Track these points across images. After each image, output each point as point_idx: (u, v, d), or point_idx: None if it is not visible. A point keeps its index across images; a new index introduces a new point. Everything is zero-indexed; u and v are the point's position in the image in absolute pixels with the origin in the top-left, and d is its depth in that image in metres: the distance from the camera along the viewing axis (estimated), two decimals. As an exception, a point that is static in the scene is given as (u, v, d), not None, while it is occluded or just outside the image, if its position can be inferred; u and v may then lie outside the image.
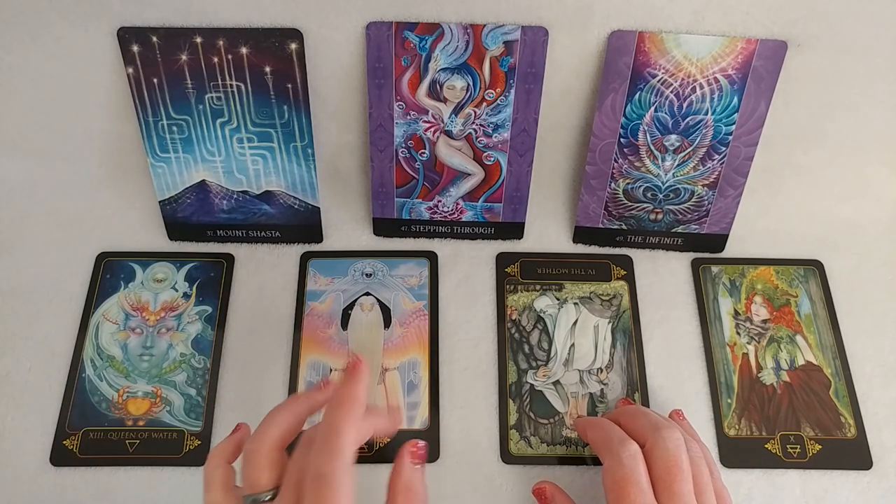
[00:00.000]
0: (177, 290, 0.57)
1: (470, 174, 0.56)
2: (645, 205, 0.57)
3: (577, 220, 0.59)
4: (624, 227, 0.58)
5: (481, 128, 0.54)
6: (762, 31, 0.50)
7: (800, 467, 0.50)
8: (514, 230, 0.59)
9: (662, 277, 0.58)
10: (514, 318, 0.56)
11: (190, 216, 0.58)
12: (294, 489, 0.36)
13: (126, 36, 0.51)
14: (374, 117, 0.54)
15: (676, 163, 0.55)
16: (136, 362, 0.54)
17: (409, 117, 0.54)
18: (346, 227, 0.60)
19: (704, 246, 0.59)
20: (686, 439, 0.42)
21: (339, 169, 0.60)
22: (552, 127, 0.56)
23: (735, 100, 0.51)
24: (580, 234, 0.59)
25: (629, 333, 0.55)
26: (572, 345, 0.54)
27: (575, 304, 0.56)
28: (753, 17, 0.49)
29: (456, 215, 0.58)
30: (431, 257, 0.58)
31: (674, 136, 0.53)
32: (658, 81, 0.51)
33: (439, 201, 0.58)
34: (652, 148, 0.54)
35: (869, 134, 0.58)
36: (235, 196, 0.57)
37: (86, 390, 0.52)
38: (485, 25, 0.50)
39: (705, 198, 0.56)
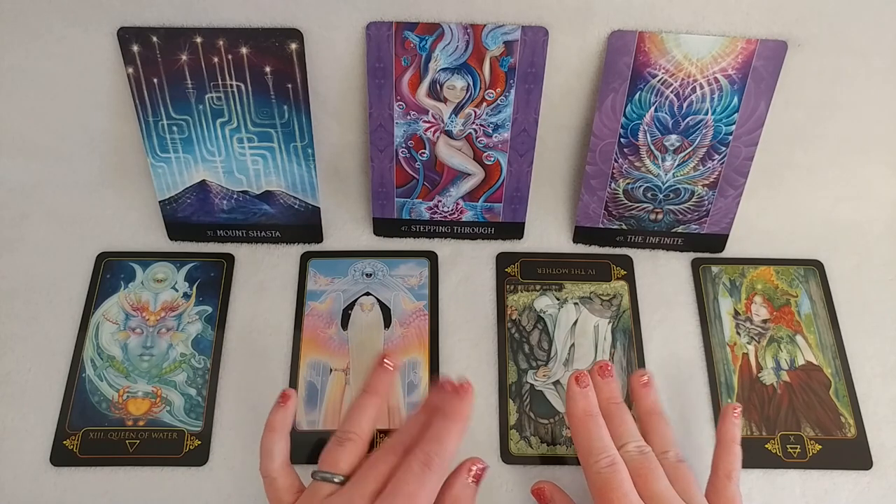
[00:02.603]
0: (177, 290, 0.57)
1: (470, 174, 0.56)
2: (645, 205, 0.57)
3: (577, 220, 0.59)
4: (624, 227, 0.58)
5: (481, 128, 0.54)
6: (762, 31, 0.50)
7: (800, 467, 0.50)
8: (514, 230, 0.59)
9: (662, 277, 0.58)
10: (514, 318, 0.56)
11: (190, 216, 0.58)
12: (369, 486, 0.38)
13: (126, 36, 0.51)
14: (374, 117, 0.54)
15: (676, 163, 0.55)
16: (136, 362, 0.54)
17: (409, 117, 0.54)
18: (346, 227, 0.60)
19: (704, 246, 0.59)
20: (667, 448, 0.43)
21: (339, 169, 0.60)
22: (552, 127, 0.56)
23: (735, 100, 0.51)
24: (580, 234, 0.59)
25: (629, 333, 0.55)
26: (572, 345, 0.54)
27: (575, 304, 0.56)
28: (753, 17, 0.49)
29: (456, 215, 0.58)
30: (431, 257, 0.58)
31: (674, 136, 0.53)
32: (658, 81, 0.51)
33: (439, 201, 0.58)
34: (652, 148, 0.54)
35: (869, 134, 0.58)
36: (235, 196, 0.57)
37: (86, 390, 0.52)
38: (485, 25, 0.50)
39: (705, 198, 0.56)
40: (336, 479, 0.39)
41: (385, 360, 0.44)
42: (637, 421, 0.45)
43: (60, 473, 0.50)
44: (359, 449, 0.41)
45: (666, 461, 0.42)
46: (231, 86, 0.52)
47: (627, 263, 0.58)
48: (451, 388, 0.41)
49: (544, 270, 0.58)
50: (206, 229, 0.59)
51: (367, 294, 0.56)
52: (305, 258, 0.58)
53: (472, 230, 0.59)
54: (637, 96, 0.52)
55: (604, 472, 0.41)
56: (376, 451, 0.40)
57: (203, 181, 0.57)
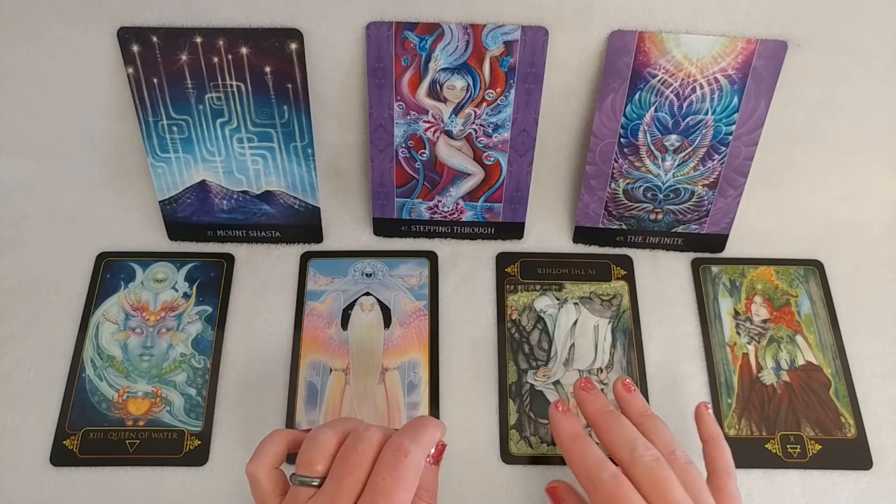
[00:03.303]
0: (177, 290, 0.57)
1: (470, 174, 0.56)
2: (645, 205, 0.57)
3: (577, 220, 0.59)
4: (624, 227, 0.58)
5: (481, 128, 0.54)
6: (762, 31, 0.50)
7: (800, 467, 0.50)
8: (514, 230, 0.59)
9: (662, 277, 0.58)
10: (514, 318, 0.56)
11: (190, 216, 0.58)
12: (346, 483, 0.37)
13: (126, 36, 0.51)
14: (374, 117, 0.54)
15: (676, 163, 0.55)
16: (136, 362, 0.54)
17: (409, 117, 0.54)
18: (346, 227, 0.60)
19: (704, 246, 0.59)
20: (672, 448, 0.42)
21: (339, 169, 0.60)
22: (552, 127, 0.56)
23: (735, 100, 0.51)
24: (580, 234, 0.59)
25: (629, 333, 0.55)
26: (572, 345, 0.54)
27: (575, 304, 0.56)
28: (753, 17, 0.49)
29: (456, 215, 0.58)
30: (431, 257, 0.58)
31: (674, 136, 0.53)
32: (658, 81, 0.51)
33: (439, 201, 0.58)
34: (652, 148, 0.54)
35: (869, 134, 0.58)
36: (235, 196, 0.57)
37: (86, 390, 0.52)
38: (485, 25, 0.50)
39: (705, 198, 0.56)
40: (313, 483, 0.38)
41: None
42: None
43: (60, 473, 0.50)
44: (333, 450, 0.39)
45: (676, 463, 0.41)
46: (231, 86, 0.52)
47: (627, 263, 0.58)
48: None
49: (544, 270, 0.58)
50: (206, 229, 0.59)
51: (367, 294, 0.56)
52: (305, 258, 0.58)
53: (472, 230, 0.59)
54: (637, 96, 0.52)
55: (608, 484, 0.39)
56: (346, 441, 0.39)
57: (203, 181, 0.57)
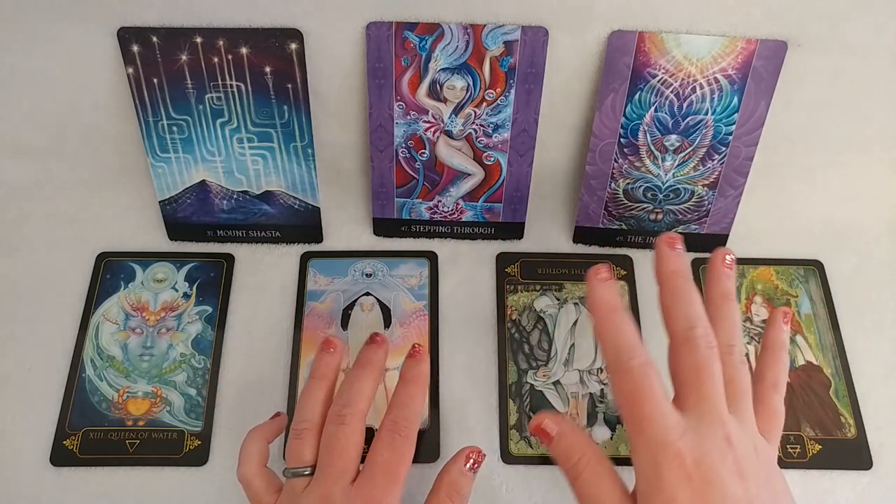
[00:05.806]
0: (177, 290, 0.57)
1: (470, 174, 0.56)
2: (645, 205, 0.57)
3: (577, 220, 0.59)
4: (624, 227, 0.58)
5: (481, 128, 0.54)
6: (762, 31, 0.50)
7: (800, 467, 0.50)
8: (514, 230, 0.59)
9: (662, 277, 0.58)
10: (514, 318, 0.56)
11: (190, 216, 0.58)
12: (337, 467, 0.39)
13: (126, 36, 0.51)
14: (374, 117, 0.54)
15: (676, 163, 0.55)
16: (136, 362, 0.54)
17: (409, 117, 0.54)
18: (346, 227, 0.60)
19: (704, 246, 0.59)
20: (733, 343, 0.38)
21: (339, 169, 0.60)
22: (552, 127, 0.56)
23: (735, 100, 0.51)
24: (580, 234, 0.59)
25: (629, 333, 0.55)
26: (572, 345, 0.54)
27: (575, 304, 0.56)
28: (753, 17, 0.49)
29: (456, 215, 0.59)
30: (431, 257, 0.58)
31: (674, 136, 0.53)
32: (658, 81, 0.51)
33: (439, 201, 0.58)
34: (652, 148, 0.54)
35: (869, 134, 0.58)
36: (235, 196, 0.57)
37: (86, 390, 0.52)
38: (485, 25, 0.50)
39: (705, 198, 0.56)
40: (305, 472, 0.40)
41: (327, 345, 0.45)
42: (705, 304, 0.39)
43: (60, 473, 0.50)
44: (315, 436, 0.41)
45: (728, 359, 0.37)
46: (231, 86, 0.52)
47: (627, 263, 0.58)
48: (409, 353, 0.44)
49: (544, 270, 0.58)
50: (206, 229, 0.59)
51: (367, 294, 0.56)
52: (305, 258, 0.58)
53: (472, 230, 0.59)
54: (637, 96, 0.52)
55: (635, 373, 0.35)
56: (325, 430, 0.41)
57: (203, 181, 0.57)
